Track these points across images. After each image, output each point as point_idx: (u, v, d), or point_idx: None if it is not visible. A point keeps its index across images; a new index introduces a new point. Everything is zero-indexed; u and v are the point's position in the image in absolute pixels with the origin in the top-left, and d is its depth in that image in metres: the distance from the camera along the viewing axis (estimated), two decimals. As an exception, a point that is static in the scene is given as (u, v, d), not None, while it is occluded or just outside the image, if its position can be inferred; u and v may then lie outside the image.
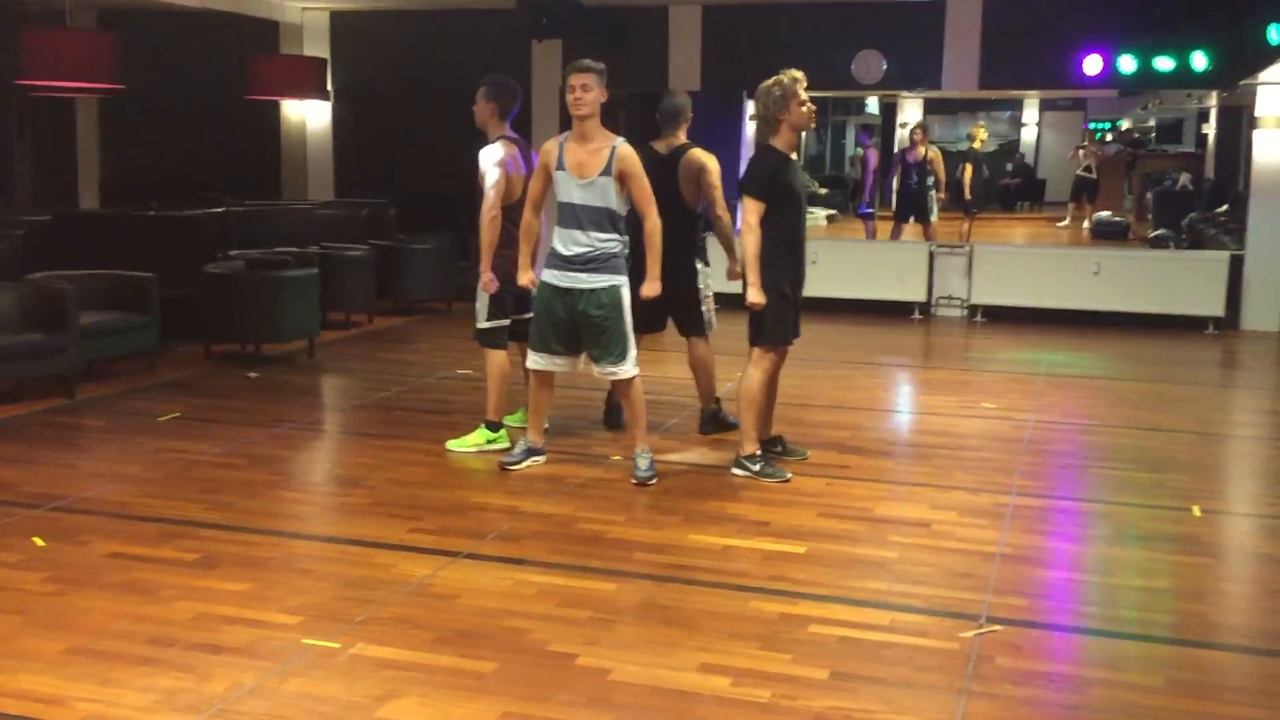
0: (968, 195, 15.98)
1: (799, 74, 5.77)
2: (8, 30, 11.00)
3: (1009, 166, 24.75)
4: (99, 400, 7.55)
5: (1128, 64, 9.82)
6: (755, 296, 5.74)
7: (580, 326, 5.80)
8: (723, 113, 12.35)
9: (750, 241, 5.71)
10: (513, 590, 4.45)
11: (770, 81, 5.78)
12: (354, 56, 13.21)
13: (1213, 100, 16.89)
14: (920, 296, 11.72)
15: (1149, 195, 18.92)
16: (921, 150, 13.73)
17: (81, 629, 4.04)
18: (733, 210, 7.05)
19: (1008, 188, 24.03)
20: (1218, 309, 10.93)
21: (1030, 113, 26.28)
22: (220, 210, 10.72)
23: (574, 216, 5.71)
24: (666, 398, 7.53)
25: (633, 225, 5.84)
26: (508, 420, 6.57)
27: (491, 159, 6.12)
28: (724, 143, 10.82)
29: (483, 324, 6.31)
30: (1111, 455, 6.77)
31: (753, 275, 5.74)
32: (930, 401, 8.24)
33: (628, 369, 5.82)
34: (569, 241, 5.73)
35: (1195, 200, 16.53)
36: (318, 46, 13.18)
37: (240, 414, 7.25)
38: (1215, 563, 5.04)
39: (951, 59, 11.40)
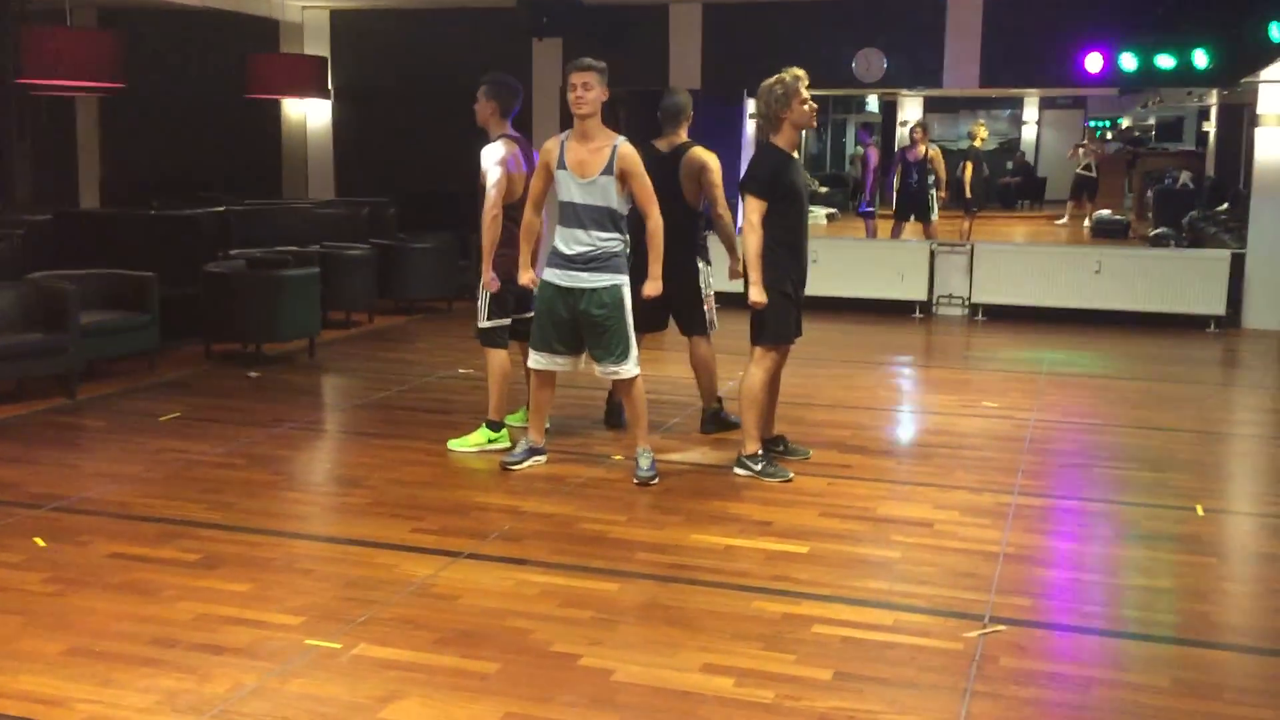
0: (968, 194, 15.99)
1: (801, 72, 5.76)
2: (8, 29, 10.99)
3: (1009, 165, 24.76)
4: (99, 400, 7.54)
5: (1129, 62, 9.83)
6: (757, 295, 5.73)
7: (582, 326, 5.79)
8: (723, 111, 12.34)
9: (752, 240, 5.70)
10: (515, 590, 4.45)
11: (772, 80, 5.77)
12: (354, 55, 13.20)
13: (1213, 98, 16.90)
14: (921, 295, 11.72)
15: (1149, 193, 18.92)
16: (922, 149, 13.72)
17: (82, 629, 4.03)
18: (734, 209, 7.06)
19: (1008, 186, 24.02)
20: (1219, 308, 10.92)
21: (1030, 111, 26.31)
22: (220, 209, 10.71)
23: (575, 216, 5.70)
24: (668, 397, 7.52)
25: (634, 224, 5.83)
26: (509, 420, 6.56)
27: (493, 158, 6.12)
28: (724, 141, 10.81)
29: (484, 323, 6.30)
30: (1113, 454, 6.76)
31: (754, 274, 5.73)
32: (932, 400, 8.23)
33: (629, 369, 5.81)
34: (570, 241, 5.72)
35: (1195, 198, 16.54)
36: (318, 45, 13.16)
37: (241, 414, 7.25)
38: (1218, 562, 5.03)
39: (953, 57, 11.39)
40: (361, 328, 10.54)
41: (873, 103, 25.46)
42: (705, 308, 6.62)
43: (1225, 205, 15.07)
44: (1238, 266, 11.00)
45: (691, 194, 6.48)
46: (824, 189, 21.04)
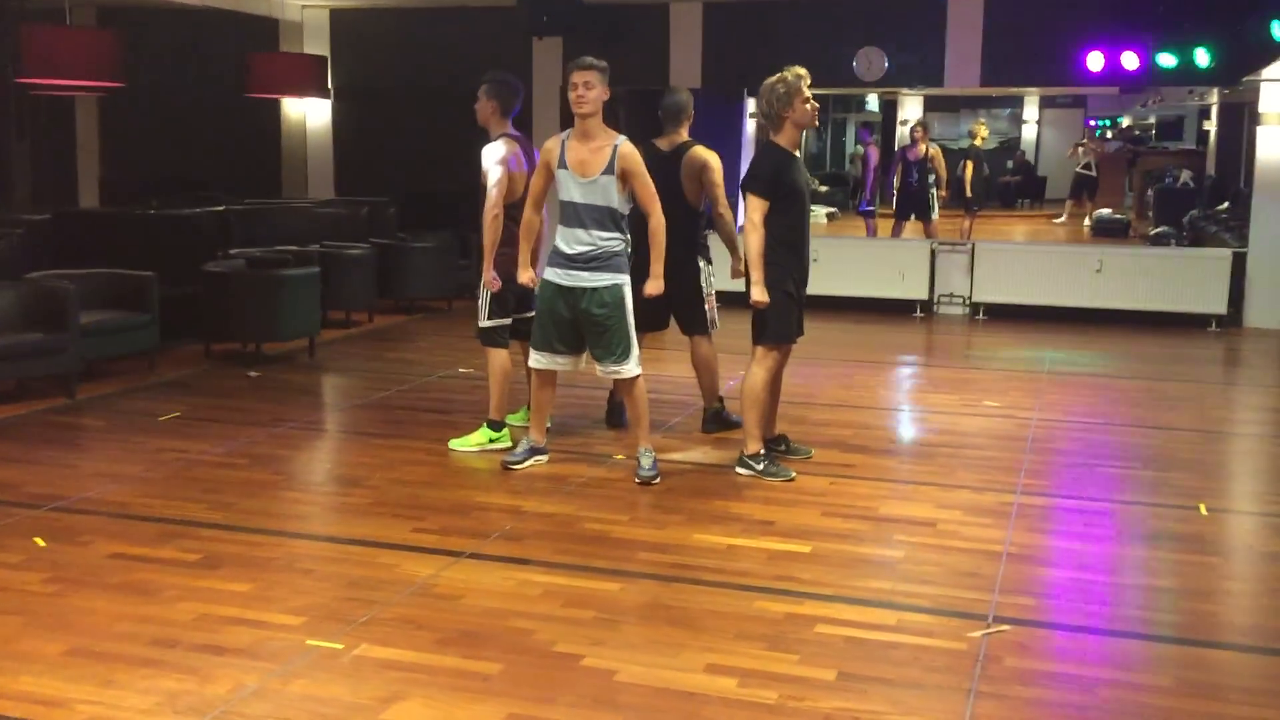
0: (968, 193, 15.97)
1: (803, 71, 5.75)
2: (7, 28, 10.96)
3: (1009, 164, 24.75)
4: (99, 400, 7.53)
5: (1130, 61, 9.82)
6: (758, 295, 5.72)
7: (583, 325, 5.78)
8: (724, 110, 12.33)
9: (753, 239, 5.69)
10: (517, 590, 4.43)
11: (774, 78, 5.76)
12: (354, 54, 13.18)
13: (1214, 97, 16.88)
14: (922, 294, 11.70)
15: (1150, 192, 18.90)
16: (922, 148, 13.72)
17: (83, 630, 4.02)
18: (735, 208, 7.04)
19: (1008, 185, 24.01)
20: (1220, 306, 10.91)
21: (1031, 110, 26.30)
22: (220, 209, 10.70)
23: (576, 215, 5.69)
24: (669, 396, 7.50)
25: (636, 223, 5.82)
26: (510, 419, 6.55)
27: (494, 157, 6.10)
28: (725, 140, 10.78)
29: (484, 322, 6.29)
30: (1116, 453, 6.75)
31: (756, 273, 5.72)
32: (933, 400, 8.21)
33: (630, 368, 5.80)
34: (571, 240, 5.71)
35: (1196, 197, 16.53)
36: (318, 44, 13.15)
37: (241, 413, 7.23)
38: (1221, 561, 5.02)
39: (953, 56, 11.37)
40: (361, 327, 10.53)
41: (873, 102, 25.46)
42: (706, 307, 6.61)
43: (1226, 204, 15.06)
44: (1239, 265, 11.00)
45: (693, 193, 6.47)
46: (824, 188, 21.03)
